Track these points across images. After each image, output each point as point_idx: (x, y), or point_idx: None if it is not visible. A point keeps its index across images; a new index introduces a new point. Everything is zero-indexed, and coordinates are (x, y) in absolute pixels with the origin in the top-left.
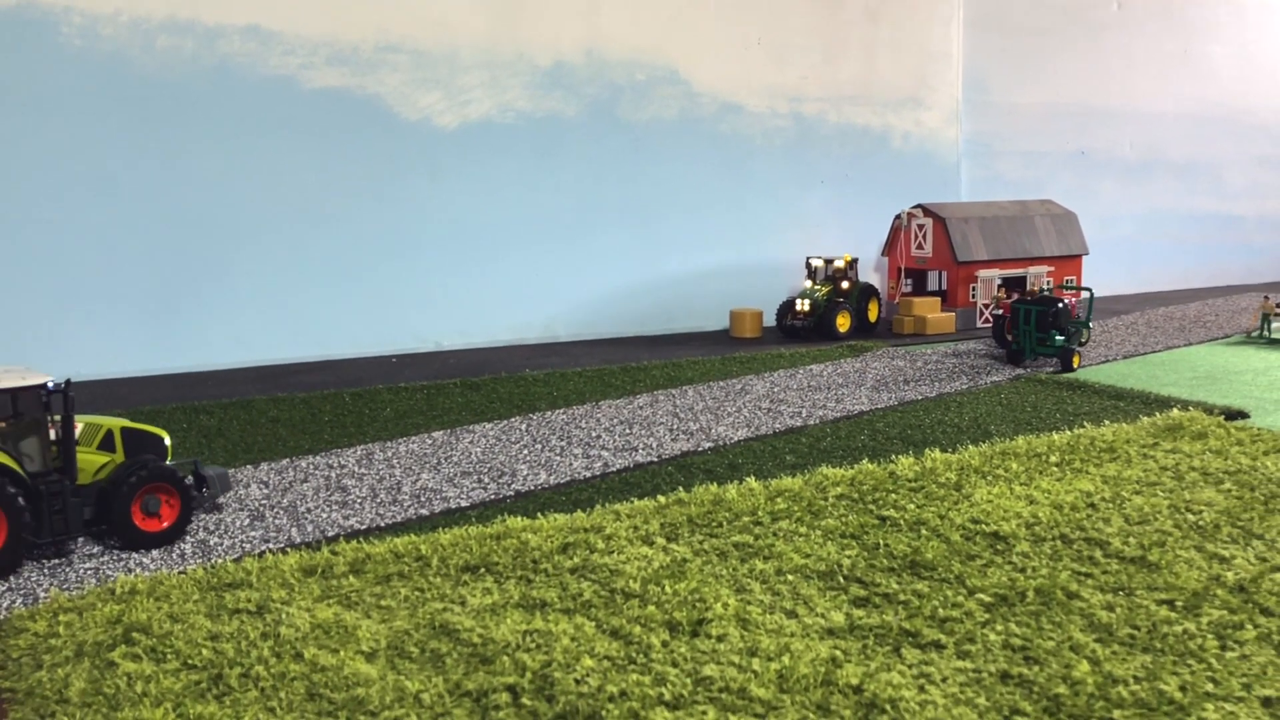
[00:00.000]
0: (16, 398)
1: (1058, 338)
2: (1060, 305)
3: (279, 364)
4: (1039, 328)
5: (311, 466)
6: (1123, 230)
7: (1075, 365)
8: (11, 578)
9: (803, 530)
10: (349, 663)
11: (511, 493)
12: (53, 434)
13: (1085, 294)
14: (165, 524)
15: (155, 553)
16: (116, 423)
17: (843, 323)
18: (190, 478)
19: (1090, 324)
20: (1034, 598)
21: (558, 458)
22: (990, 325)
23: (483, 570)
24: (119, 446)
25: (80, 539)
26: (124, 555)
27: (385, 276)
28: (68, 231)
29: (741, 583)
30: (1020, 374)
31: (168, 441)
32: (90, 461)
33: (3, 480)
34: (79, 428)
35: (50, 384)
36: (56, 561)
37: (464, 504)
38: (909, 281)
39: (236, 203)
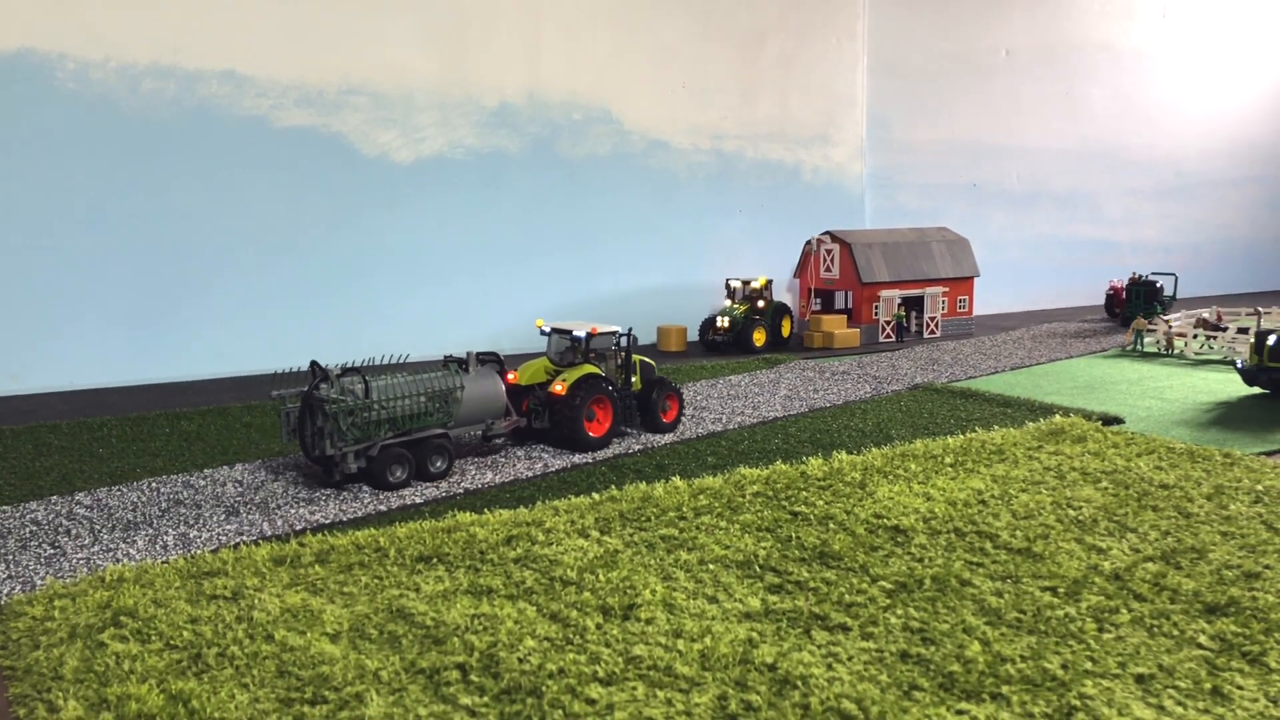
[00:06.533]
0: (588, 340)
1: (1158, 308)
2: (1158, 285)
3: (253, 374)
4: (1145, 301)
5: (283, 466)
6: (1010, 254)
7: None
8: (12, 566)
9: (723, 524)
10: (315, 643)
11: (461, 490)
12: (616, 362)
13: (1172, 277)
14: (671, 418)
15: (140, 543)
16: (636, 357)
17: (759, 338)
18: None
19: (1175, 297)
20: (930, 585)
21: (502, 458)
22: (889, 335)
23: (435, 560)
24: (638, 371)
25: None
26: (112, 546)
27: (348, 296)
28: (63, 255)
29: (668, 571)
30: (919, 384)
31: (656, 369)
32: (631, 381)
33: (608, 385)
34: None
35: (620, 331)
36: (52, 552)
37: (418, 500)
38: (818, 301)
39: (214, 230)
